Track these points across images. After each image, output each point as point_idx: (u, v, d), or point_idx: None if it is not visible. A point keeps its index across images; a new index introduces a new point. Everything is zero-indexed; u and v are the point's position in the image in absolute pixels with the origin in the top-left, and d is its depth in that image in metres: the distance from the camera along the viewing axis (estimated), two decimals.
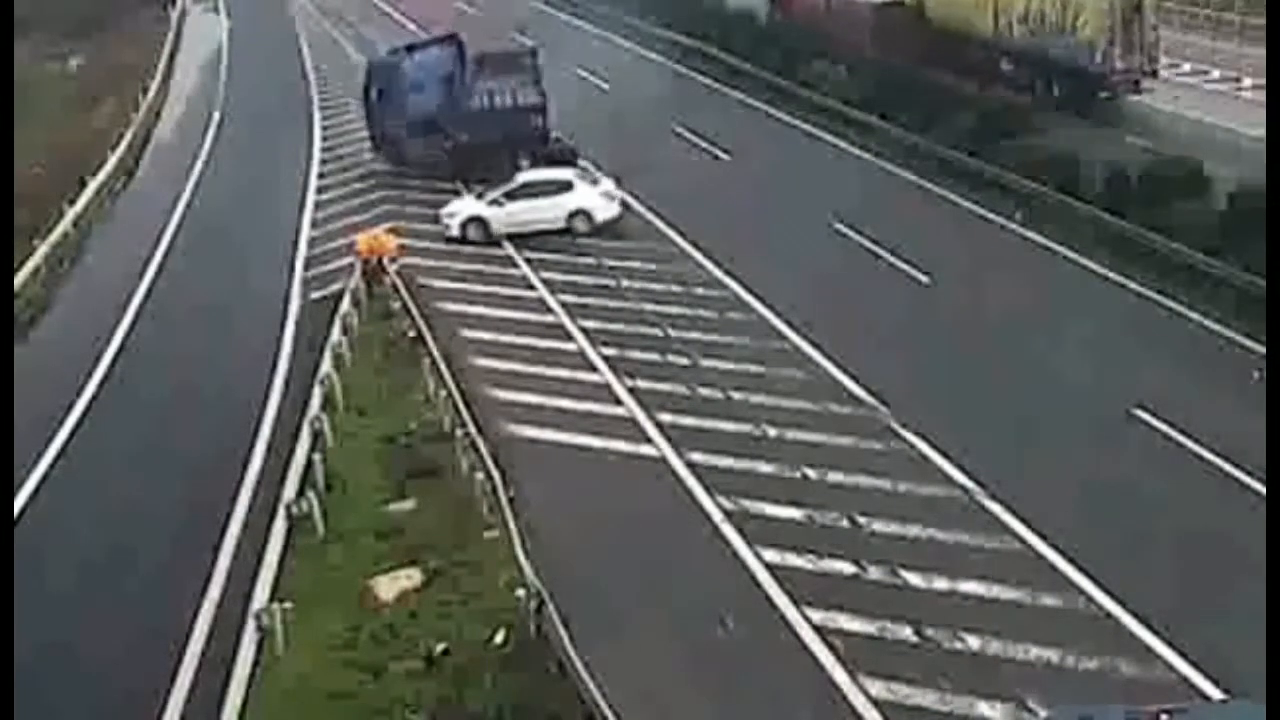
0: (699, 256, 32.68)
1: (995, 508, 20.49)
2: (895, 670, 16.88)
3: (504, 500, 20.61)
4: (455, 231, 35.02)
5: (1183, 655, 16.75)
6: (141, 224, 40.18)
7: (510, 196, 35.04)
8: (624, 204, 35.52)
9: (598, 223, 34.75)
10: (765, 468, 22.26)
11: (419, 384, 26.47)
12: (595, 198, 35.10)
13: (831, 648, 17.43)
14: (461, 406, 24.13)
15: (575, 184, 35.31)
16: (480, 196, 35.85)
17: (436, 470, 23.04)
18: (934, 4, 43.98)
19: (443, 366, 26.09)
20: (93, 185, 43.19)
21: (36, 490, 23.80)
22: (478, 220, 34.78)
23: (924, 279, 30.22)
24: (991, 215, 34.56)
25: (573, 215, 34.70)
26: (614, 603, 18.80)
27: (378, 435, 24.92)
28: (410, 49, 42.81)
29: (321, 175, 43.11)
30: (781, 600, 18.56)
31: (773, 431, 23.50)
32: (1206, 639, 16.90)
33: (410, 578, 20.02)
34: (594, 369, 26.75)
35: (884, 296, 29.65)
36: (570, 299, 30.49)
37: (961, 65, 41.81)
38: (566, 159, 38.86)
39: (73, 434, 25.88)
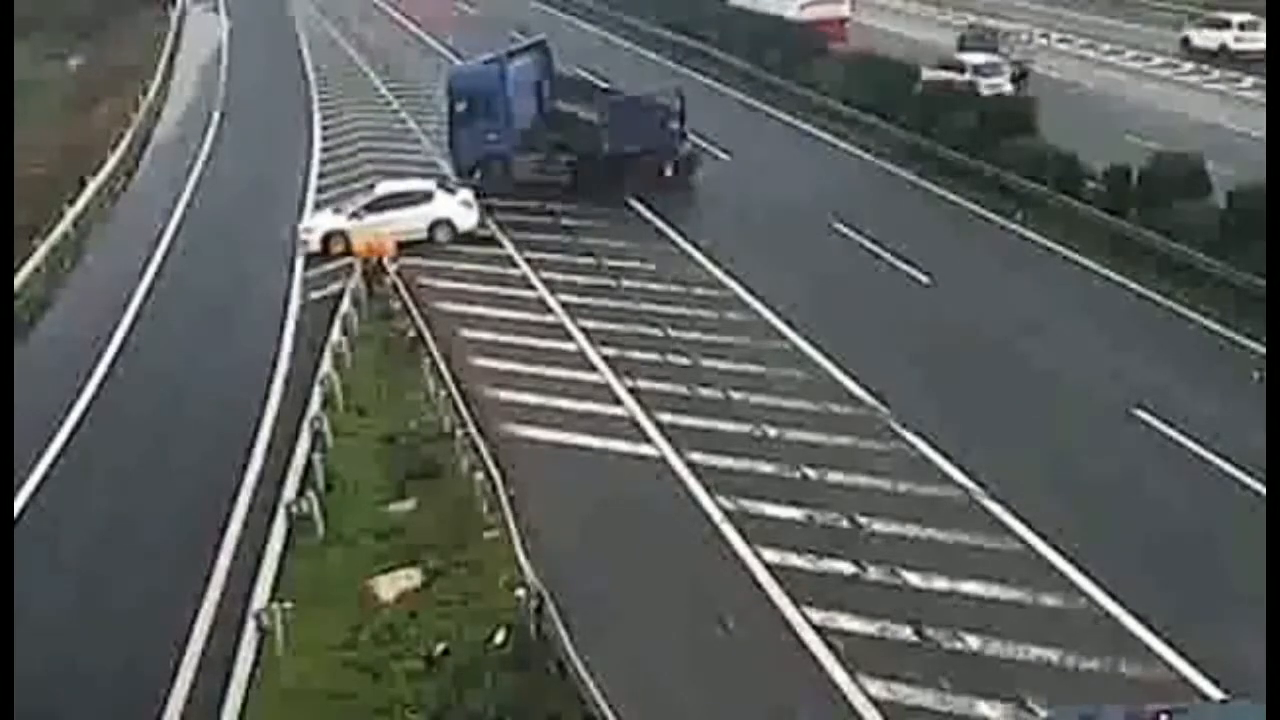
0: (699, 256, 32.68)
1: (995, 508, 20.49)
2: (895, 670, 16.89)
3: (504, 500, 20.62)
4: (315, 246, 33.72)
5: (1183, 655, 16.76)
6: (141, 224, 40.15)
7: (371, 209, 34.04)
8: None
9: (460, 231, 34.35)
10: (765, 468, 22.25)
11: (419, 384, 26.47)
12: (456, 206, 34.58)
13: (831, 648, 17.44)
14: (461, 406, 24.14)
15: (435, 194, 34.68)
16: (338, 210, 34.84)
17: (436, 470, 23.05)
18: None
19: (443, 366, 26.10)
20: (93, 185, 43.16)
21: (37, 490, 23.79)
22: (339, 234, 33.62)
23: (924, 279, 30.22)
24: (991, 215, 34.59)
25: (435, 225, 34.24)
26: (613, 602, 18.79)
27: (378, 435, 24.93)
28: (510, 55, 39.78)
29: (322, 175, 43.08)
30: (781, 600, 18.56)
31: (773, 431, 23.49)
32: (1207, 639, 16.91)
33: (410, 578, 20.03)
34: (594, 369, 26.74)
35: (884, 296, 29.64)
36: (570, 299, 30.48)
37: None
38: (695, 165, 38.34)
39: (73, 434, 25.86)
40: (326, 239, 33.67)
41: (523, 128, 38.45)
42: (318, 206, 39.53)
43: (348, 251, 33.01)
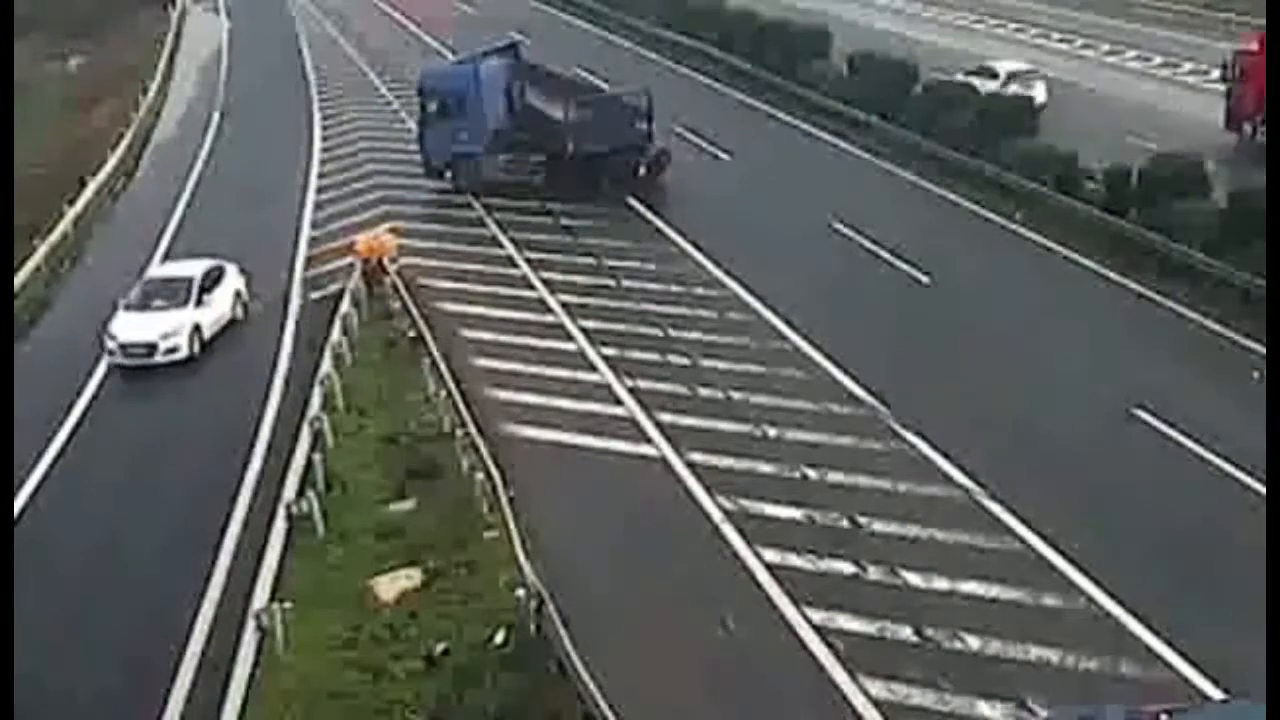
0: (699, 256, 32.67)
1: (995, 508, 20.50)
2: (895, 670, 16.90)
3: (504, 500, 20.63)
4: (185, 351, 28.99)
5: (1183, 655, 16.77)
6: (141, 224, 40.15)
7: (205, 291, 30.22)
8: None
9: (245, 300, 31.84)
10: (765, 468, 22.26)
11: (419, 384, 26.48)
12: (238, 276, 31.89)
13: (831, 648, 17.45)
14: (461, 406, 24.15)
15: (225, 267, 31.75)
16: (143, 308, 29.65)
17: (436, 470, 23.05)
18: None
19: (443, 366, 26.11)
20: (93, 185, 43.20)
21: (37, 490, 23.80)
22: (197, 328, 29.68)
23: (924, 279, 30.22)
24: (991, 215, 34.58)
25: (235, 299, 31.32)
26: (614, 602, 18.81)
27: (378, 435, 24.95)
28: (484, 55, 40.05)
29: (321, 175, 43.09)
30: (781, 600, 18.57)
31: (773, 431, 23.50)
32: (1207, 639, 16.92)
33: (410, 578, 20.04)
34: (594, 369, 26.74)
35: (884, 296, 29.64)
36: (570, 299, 30.48)
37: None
38: (664, 164, 38.36)
39: (73, 434, 25.88)
40: (192, 334, 29.66)
41: (494, 128, 38.64)
42: (318, 206, 39.56)
43: (202, 342, 29.95)
